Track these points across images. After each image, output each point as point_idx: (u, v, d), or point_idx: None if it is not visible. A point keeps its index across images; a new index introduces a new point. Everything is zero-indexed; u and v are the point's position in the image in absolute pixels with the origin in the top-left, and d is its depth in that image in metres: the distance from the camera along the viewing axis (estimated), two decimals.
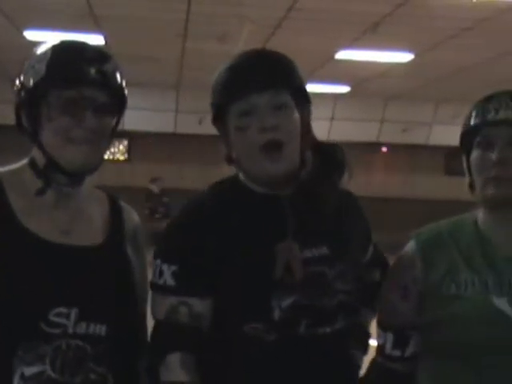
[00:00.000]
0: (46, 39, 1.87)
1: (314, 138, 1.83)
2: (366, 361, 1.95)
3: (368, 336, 2.07)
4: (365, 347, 2.04)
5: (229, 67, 1.76)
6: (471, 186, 1.81)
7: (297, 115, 1.74)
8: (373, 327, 2.07)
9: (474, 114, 1.81)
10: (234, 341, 1.70)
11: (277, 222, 1.73)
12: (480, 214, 1.83)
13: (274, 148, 1.69)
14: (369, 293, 2.01)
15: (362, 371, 2.09)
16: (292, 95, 1.74)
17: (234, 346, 1.70)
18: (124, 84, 1.77)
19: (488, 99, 1.80)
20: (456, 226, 1.85)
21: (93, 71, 1.68)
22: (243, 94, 1.70)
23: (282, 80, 1.73)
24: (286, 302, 1.68)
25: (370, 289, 2.01)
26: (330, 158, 1.81)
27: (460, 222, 1.86)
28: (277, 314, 1.67)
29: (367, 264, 1.95)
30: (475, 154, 1.78)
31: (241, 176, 1.79)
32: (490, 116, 1.76)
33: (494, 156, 1.74)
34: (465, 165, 1.83)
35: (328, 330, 1.73)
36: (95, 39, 9.68)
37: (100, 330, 1.68)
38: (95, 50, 1.75)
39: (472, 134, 1.79)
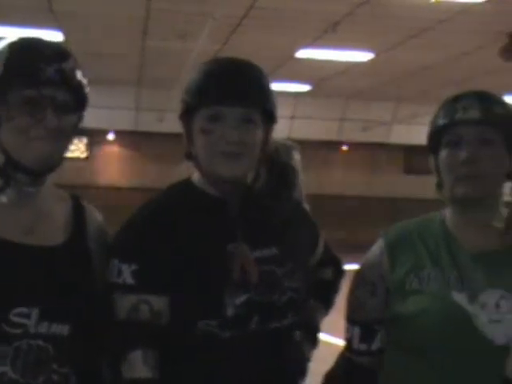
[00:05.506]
0: (2, 34, 1.85)
1: (269, 155, 1.91)
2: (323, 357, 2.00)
3: (317, 330, 2.17)
4: (314, 341, 2.15)
5: (207, 71, 1.81)
6: (439, 186, 1.83)
7: (260, 133, 1.81)
8: (332, 323, 2.11)
9: (441, 113, 1.83)
10: (189, 338, 1.73)
11: (227, 224, 1.80)
12: (447, 213, 1.86)
13: (233, 156, 1.76)
14: (321, 290, 2.10)
15: (312, 364, 2.19)
16: (261, 114, 1.80)
17: (189, 343, 1.74)
18: (84, 82, 1.76)
19: (455, 99, 1.83)
20: (423, 225, 1.88)
21: (51, 70, 1.68)
22: (215, 103, 1.76)
23: (256, 100, 1.78)
24: (239, 299, 1.73)
25: (322, 287, 2.09)
26: (281, 177, 1.91)
27: (427, 221, 1.89)
28: (230, 311, 1.72)
29: (318, 264, 2.03)
30: (444, 153, 1.80)
31: (194, 178, 1.86)
32: (459, 115, 1.79)
33: (463, 154, 1.76)
34: (432, 164, 1.85)
35: (278, 325, 1.78)
36: (54, 35, 9.57)
37: (62, 329, 1.67)
38: (54, 48, 1.74)
39: (440, 133, 1.82)
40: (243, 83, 1.78)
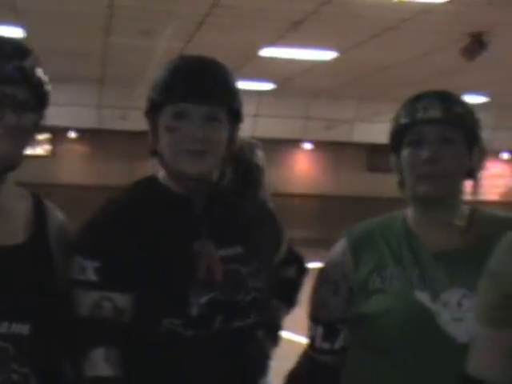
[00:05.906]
0: None
1: (235, 155, 1.91)
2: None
3: (278, 328, 2.20)
4: (275, 339, 2.18)
5: (173, 69, 1.81)
6: (401, 184, 1.85)
7: (225, 132, 1.81)
8: (294, 320, 2.12)
9: (403, 112, 1.84)
10: (153, 335, 1.73)
11: (191, 221, 1.80)
12: (409, 212, 1.87)
13: (198, 154, 1.77)
14: (284, 289, 2.11)
15: (274, 362, 2.22)
16: (227, 113, 1.80)
17: (152, 340, 1.73)
18: (45, 79, 1.74)
19: (417, 98, 1.84)
20: (386, 224, 1.90)
21: (11, 67, 1.65)
22: (180, 100, 1.77)
23: (220, 98, 1.79)
24: (204, 298, 1.73)
25: (285, 285, 2.10)
26: (246, 176, 1.92)
27: (389, 220, 1.91)
28: (195, 310, 1.72)
29: (282, 262, 2.04)
30: (406, 152, 1.81)
31: (159, 175, 1.85)
32: (420, 115, 1.80)
33: (424, 154, 1.77)
34: (394, 163, 1.86)
35: (241, 324, 1.79)
36: (14, 32, 9.45)
37: (22, 329, 1.65)
38: (14, 45, 1.71)
39: (402, 132, 1.83)
40: (208, 81, 1.78)
